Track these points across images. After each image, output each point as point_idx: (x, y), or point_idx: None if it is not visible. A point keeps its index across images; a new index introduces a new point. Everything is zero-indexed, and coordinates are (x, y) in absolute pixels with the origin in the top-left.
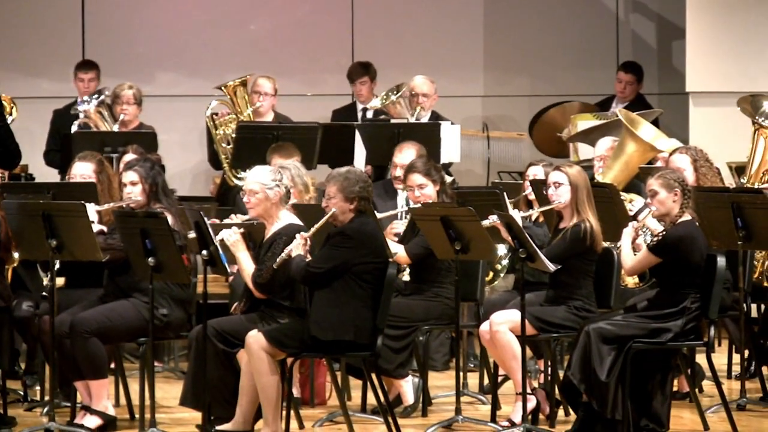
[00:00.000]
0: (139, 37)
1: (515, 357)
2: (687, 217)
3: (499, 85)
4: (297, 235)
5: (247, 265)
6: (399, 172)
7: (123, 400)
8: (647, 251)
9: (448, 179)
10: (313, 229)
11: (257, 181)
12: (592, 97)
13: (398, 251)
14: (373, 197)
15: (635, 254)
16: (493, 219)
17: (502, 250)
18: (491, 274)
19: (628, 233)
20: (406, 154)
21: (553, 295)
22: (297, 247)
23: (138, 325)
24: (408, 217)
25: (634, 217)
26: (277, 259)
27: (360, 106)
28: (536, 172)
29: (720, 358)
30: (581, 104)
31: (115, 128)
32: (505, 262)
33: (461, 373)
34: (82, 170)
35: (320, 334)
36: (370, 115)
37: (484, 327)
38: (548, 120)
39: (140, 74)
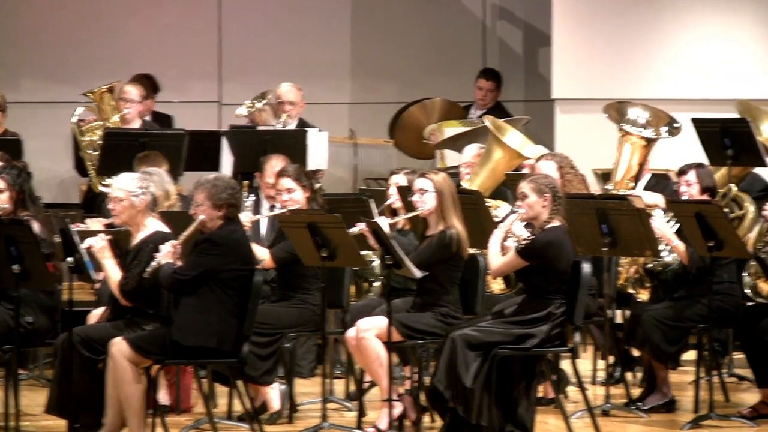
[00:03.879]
0: (3, 44)
1: (381, 363)
2: (556, 223)
3: (366, 91)
4: (167, 243)
5: (113, 272)
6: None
7: None
8: (515, 254)
9: (317, 185)
10: (181, 237)
11: (122, 188)
12: (458, 104)
13: (263, 256)
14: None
15: (503, 256)
16: (360, 227)
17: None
18: (366, 285)
19: (497, 235)
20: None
21: (420, 302)
22: (166, 256)
23: (3, 332)
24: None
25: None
26: (148, 269)
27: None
28: (398, 180)
29: (585, 364)
30: (443, 100)
31: None
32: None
33: (327, 380)
34: None
35: (182, 340)
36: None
37: (351, 333)
38: (410, 120)
39: (5, 81)
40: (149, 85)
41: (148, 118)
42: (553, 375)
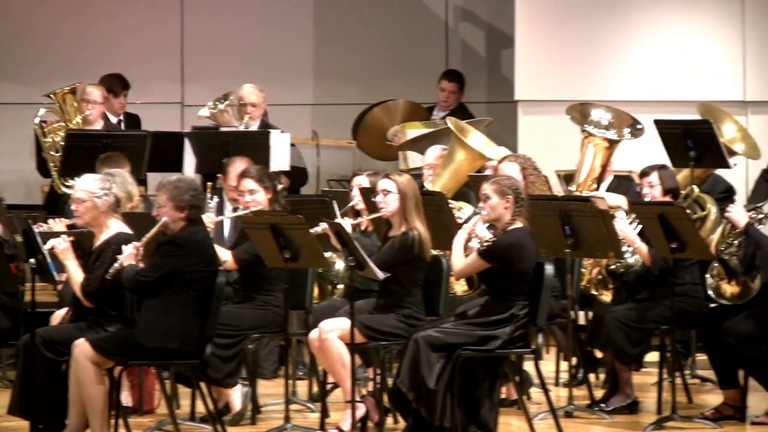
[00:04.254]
0: None
1: (344, 365)
2: (519, 224)
3: (329, 93)
4: (129, 245)
5: (75, 273)
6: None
7: None
8: (477, 256)
9: (279, 186)
10: (144, 239)
11: (85, 189)
12: (421, 105)
13: (226, 257)
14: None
15: (466, 257)
16: (323, 226)
17: (341, 264)
18: (330, 287)
19: (461, 236)
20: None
21: (383, 303)
22: (128, 257)
23: None
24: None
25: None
26: (110, 270)
27: (114, 118)
28: (361, 181)
29: (548, 366)
30: (406, 102)
31: None
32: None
33: (290, 381)
34: None
35: (145, 341)
36: (122, 126)
37: (314, 335)
38: (373, 121)
39: None
40: (119, 83)
41: (121, 117)
42: (516, 376)
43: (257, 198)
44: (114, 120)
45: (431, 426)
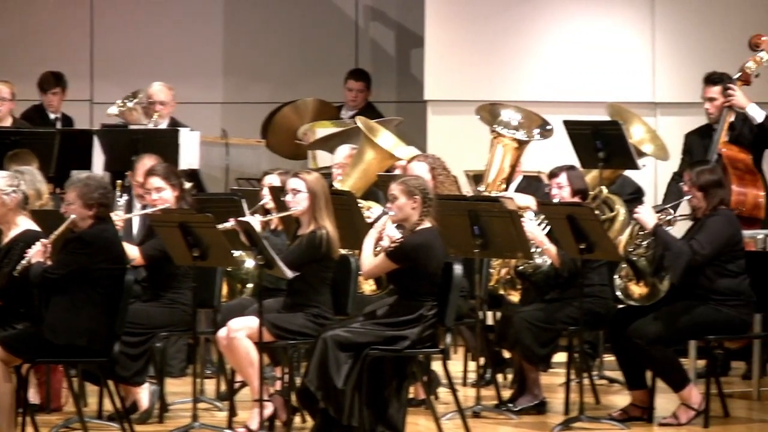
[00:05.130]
0: None
1: (252, 364)
2: (427, 224)
3: (239, 91)
4: (37, 242)
5: None
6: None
7: None
8: (384, 256)
9: (187, 185)
10: (52, 236)
11: None
12: (332, 104)
13: (134, 254)
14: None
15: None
16: (231, 222)
17: (250, 263)
18: (239, 286)
19: (371, 236)
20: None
21: (291, 302)
22: (36, 254)
23: None
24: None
25: (373, 224)
26: (18, 267)
27: (52, 115)
28: (271, 180)
29: (456, 366)
30: (315, 100)
31: None
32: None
33: (198, 380)
34: None
35: (53, 338)
36: (59, 125)
37: (222, 333)
38: (283, 121)
39: None
40: (49, 80)
41: (58, 115)
42: (424, 376)
43: (164, 196)
44: (52, 117)
45: (339, 425)
